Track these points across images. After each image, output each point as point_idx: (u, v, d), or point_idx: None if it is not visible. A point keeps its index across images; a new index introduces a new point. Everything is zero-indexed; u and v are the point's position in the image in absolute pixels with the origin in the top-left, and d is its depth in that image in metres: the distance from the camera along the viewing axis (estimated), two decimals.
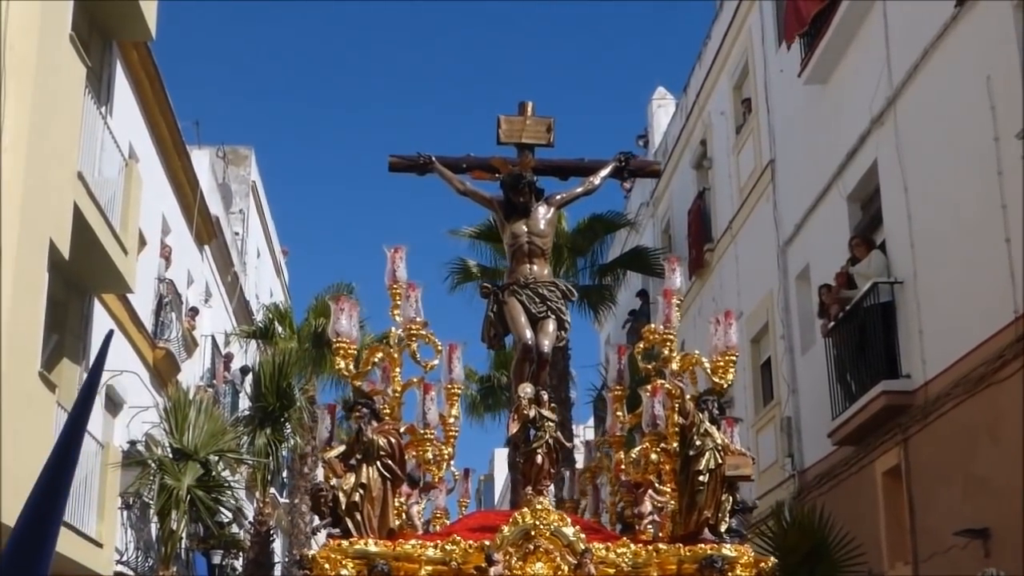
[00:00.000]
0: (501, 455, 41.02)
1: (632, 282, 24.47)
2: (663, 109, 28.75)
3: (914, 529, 14.23)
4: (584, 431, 28.99)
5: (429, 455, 8.59)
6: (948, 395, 13.32)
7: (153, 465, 16.43)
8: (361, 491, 7.51)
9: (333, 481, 7.66)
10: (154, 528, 18.10)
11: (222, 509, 17.81)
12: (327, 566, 7.29)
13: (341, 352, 8.17)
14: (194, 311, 24.07)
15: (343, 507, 7.49)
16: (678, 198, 25.55)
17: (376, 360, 8.50)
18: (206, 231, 25.49)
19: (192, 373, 23.57)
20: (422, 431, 8.57)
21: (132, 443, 17.75)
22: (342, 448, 7.80)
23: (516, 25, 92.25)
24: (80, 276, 15.64)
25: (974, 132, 12.87)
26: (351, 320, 8.26)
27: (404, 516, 8.24)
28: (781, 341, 19.13)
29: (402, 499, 8.23)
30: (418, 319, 8.49)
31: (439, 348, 8.65)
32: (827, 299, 16.17)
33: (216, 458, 16.72)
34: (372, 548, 7.33)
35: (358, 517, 7.47)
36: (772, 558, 7.98)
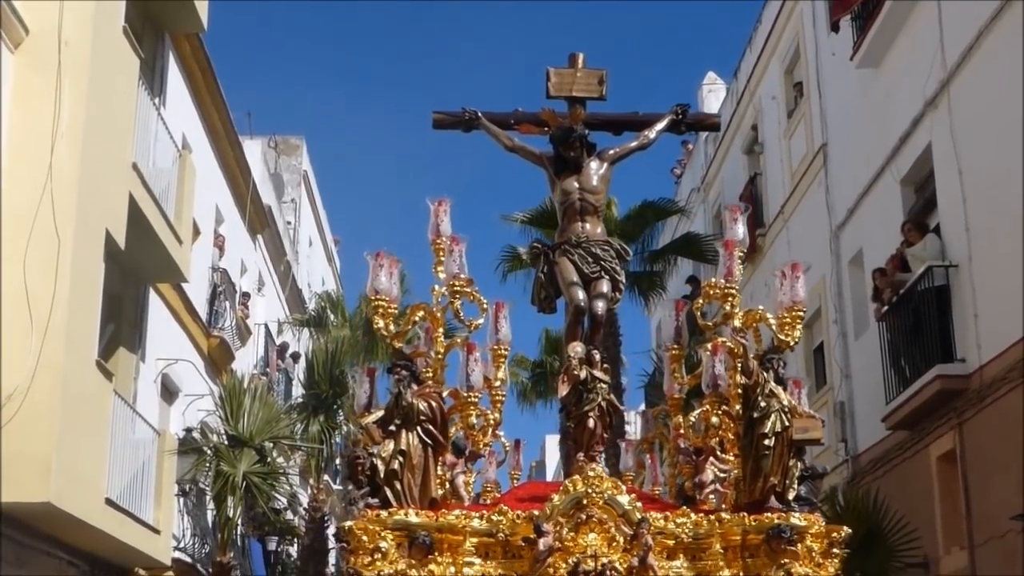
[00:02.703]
0: (552, 442, 40.89)
1: (683, 268, 24.35)
2: (713, 94, 28.61)
3: (969, 514, 14.09)
4: (635, 417, 28.92)
5: (473, 420, 8.09)
6: (1004, 379, 13.17)
7: (209, 452, 16.54)
8: (400, 458, 7.01)
9: (372, 448, 7.18)
10: (210, 515, 18.26)
11: (277, 495, 17.92)
12: (365, 538, 6.80)
13: (380, 311, 7.63)
14: (246, 296, 24.20)
15: (381, 475, 7.01)
16: (729, 184, 25.41)
17: (417, 319, 7.98)
18: (259, 220, 25.62)
19: (246, 361, 23.73)
20: (465, 394, 8.02)
21: (188, 431, 17.86)
22: (380, 413, 7.33)
23: (566, 12, 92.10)
24: (135, 266, 15.74)
25: None
26: (391, 277, 7.71)
27: (448, 486, 7.74)
28: (834, 326, 19.00)
29: (447, 469, 7.76)
30: (462, 275, 7.95)
31: (484, 306, 8.10)
32: (881, 283, 16.03)
33: (271, 445, 16.80)
34: (413, 519, 6.87)
35: (397, 486, 6.98)
36: (846, 527, 7.37)
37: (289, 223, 31.50)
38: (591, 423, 7.45)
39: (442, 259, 7.98)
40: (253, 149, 26.66)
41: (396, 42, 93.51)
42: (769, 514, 7.03)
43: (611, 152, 8.47)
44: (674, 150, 31.74)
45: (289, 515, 21.67)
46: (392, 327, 7.68)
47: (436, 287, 8.02)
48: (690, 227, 25.47)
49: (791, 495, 7.22)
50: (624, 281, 8.41)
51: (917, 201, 16.37)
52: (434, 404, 7.22)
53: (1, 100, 12.12)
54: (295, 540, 22.29)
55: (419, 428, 7.11)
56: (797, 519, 7.00)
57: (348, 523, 7.09)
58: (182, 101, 18.87)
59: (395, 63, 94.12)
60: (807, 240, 20.02)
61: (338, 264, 39.65)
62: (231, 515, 16.31)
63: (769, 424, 7.22)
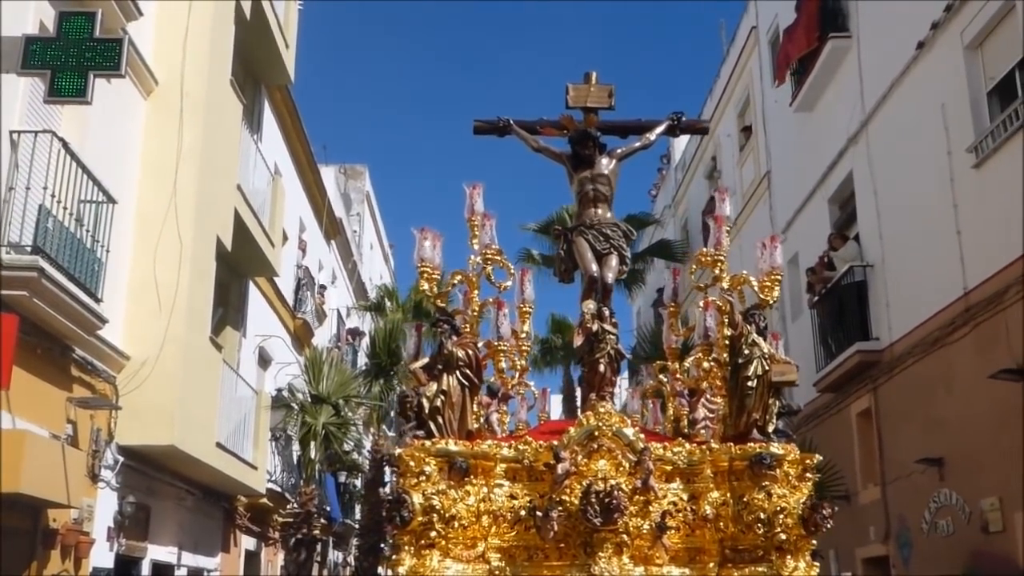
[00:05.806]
0: (556, 400, 40.63)
1: (658, 267, 24.24)
2: None
3: (882, 458, 13.99)
4: (621, 382, 28.80)
5: (503, 365, 7.70)
6: (909, 354, 13.08)
7: (295, 407, 16.52)
8: (442, 397, 6.60)
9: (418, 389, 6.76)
10: (295, 455, 18.23)
11: (347, 440, 17.87)
12: (412, 463, 6.41)
13: (425, 276, 7.10)
14: (323, 288, 24.17)
15: (426, 411, 6.61)
16: (694, 201, 25.28)
17: (455, 283, 7.51)
18: (332, 229, 25.57)
19: (323, 337, 23.68)
20: (496, 343, 7.67)
21: (279, 390, 17.85)
22: (426, 360, 6.88)
23: (566, 56, 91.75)
24: (239, 264, 15.71)
25: (931, 147, 12.58)
26: (434, 248, 7.18)
27: (484, 422, 7.34)
28: (776, 312, 18.86)
29: (483, 407, 7.38)
30: (493, 245, 7.50)
31: (511, 271, 7.66)
32: (812, 279, 15.93)
33: (343, 402, 16.77)
34: (452, 447, 6.45)
35: (439, 420, 6.58)
36: (818, 455, 6.78)
37: (355, 231, 31.43)
38: (601, 368, 6.91)
39: (476, 234, 7.54)
40: (328, 174, 26.58)
41: (440, 77, 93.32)
42: (752, 444, 6.58)
43: (618, 151, 7.99)
44: (651, 175, 31.62)
45: (355, 455, 21.62)
46: (435, 289, 7.24)
47: (472, 256, 7.56)
48: (663, 235, 25.38)
49: (771, 428, 6.75)
50: (629, 256, 7.83)
51: (841, 215, 16.24)
52: (470, 352, 6.79)
53: (137, 136, 12.12)
54: (359, 474, 22.24)
55: (458, 372, 6.70)
56: (776, 448, 6.53)
57: (398, 451, 6.64)
58: (274, 137, 18.82)
59: (439, 95, 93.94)
60: (755, 246, 19.89)
61: (392, 263, 39.62)
62: (312, 456, 16.28)
63: (752, 368, 6.73)
